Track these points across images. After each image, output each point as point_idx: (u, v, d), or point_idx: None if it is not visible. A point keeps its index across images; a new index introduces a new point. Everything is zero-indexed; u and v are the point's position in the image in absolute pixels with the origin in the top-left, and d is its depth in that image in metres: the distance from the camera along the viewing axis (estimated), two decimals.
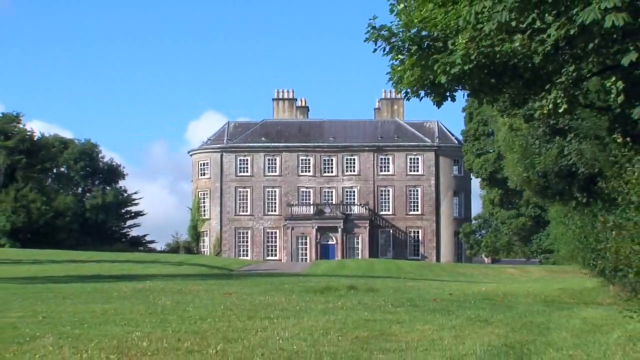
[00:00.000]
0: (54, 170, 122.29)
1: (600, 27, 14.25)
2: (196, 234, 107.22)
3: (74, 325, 15.60)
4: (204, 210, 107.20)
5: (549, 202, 42.65)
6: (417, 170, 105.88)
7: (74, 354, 12.06)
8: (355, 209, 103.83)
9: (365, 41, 19.41)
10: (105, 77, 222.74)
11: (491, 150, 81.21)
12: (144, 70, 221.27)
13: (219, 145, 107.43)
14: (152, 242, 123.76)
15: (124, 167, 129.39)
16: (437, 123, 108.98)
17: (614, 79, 17.39)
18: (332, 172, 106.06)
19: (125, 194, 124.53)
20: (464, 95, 20.32)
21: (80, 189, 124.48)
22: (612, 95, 17.76)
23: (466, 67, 17.44)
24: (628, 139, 18.41)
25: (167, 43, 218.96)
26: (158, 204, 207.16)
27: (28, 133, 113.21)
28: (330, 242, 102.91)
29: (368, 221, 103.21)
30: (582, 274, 31.42)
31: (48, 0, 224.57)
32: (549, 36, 15.68)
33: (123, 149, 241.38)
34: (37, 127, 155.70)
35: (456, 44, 17.55)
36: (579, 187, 34.75)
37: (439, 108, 19.90)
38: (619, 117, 21.05)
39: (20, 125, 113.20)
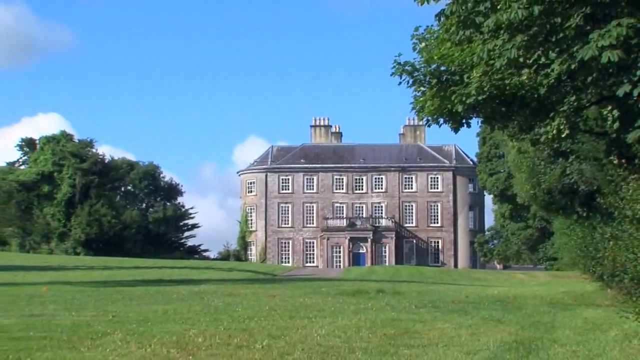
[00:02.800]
0: (122, 189, 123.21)
1: (598, 63, 14.18)
2: (244, 243, 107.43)
3: (139, 323, 15.65)
4: (251, 223, 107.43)
5: (554, 215, 42.37)
6: (437, 188, 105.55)
7: (139, 349, 12.10)
8: (383, 222, 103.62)
9: (391, 75, 19.48)
10: (162, 107, 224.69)
11: (502, 170, 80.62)
12: (197, 100, 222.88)
13: (263, 166, 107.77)
14: (206, 250, 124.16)
15: (181, 186, 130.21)
16: (455, 146, 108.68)
17: (610, 107, 17.29)
18: (362, 189, 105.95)
19: (183, 209, 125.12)
20: (478, 122, 20.31)
21: (144, 205, 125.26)
22: (609, 122, 17.64)
23: (480, 98, 17.43)
24: (623, 160, 18.29)
25: (217, 76, 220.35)
26: (209, 218, 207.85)
27: (100, 156, 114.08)
28: (361, 251, 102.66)
29: (394, 232, 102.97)
30: (583, 279, 31.16)
31: (107, 37, 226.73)
32: (552, 70, 15.63)
33: (179, 169, 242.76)
34: (105, 151, 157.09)
35: (471, 77, 17.55)
36: (580, 203, 34.50)
37: (456, 133, 19.91)
38: (614, 142, 20.87)
39: (93, 150, 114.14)
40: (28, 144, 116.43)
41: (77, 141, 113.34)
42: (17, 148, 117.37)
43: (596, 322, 17.15)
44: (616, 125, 17.27)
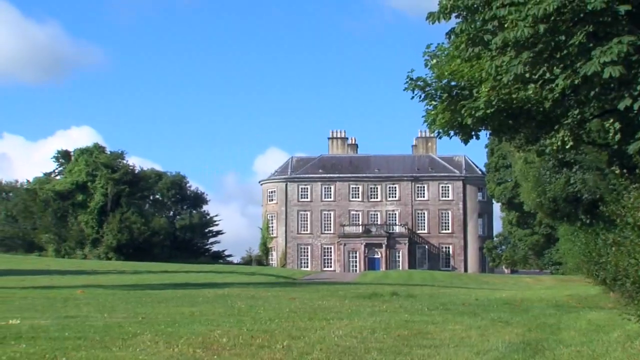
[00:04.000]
0: (151, 197, 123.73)
1: (600, 78, 14.15)
2: (266, 249, 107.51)
3: (167, 324, 15.69)
4: (272, 230, 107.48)
5: (558, 222, 42.11)
6: (448, 197, 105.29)
7: (167, 348, 12.13)
8: (397, 229, 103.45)
9: (404, 90, 19.48)
10: (188, 120, 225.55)
11: (509, 180, 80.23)
12: (220, 114, 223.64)
13: (284, 176, 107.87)
14: (229, 256, 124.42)
15: (206, 195, 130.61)
16: (464, 157, 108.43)
17: (612, 120, 17.20)
18: (377, 198, 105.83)
19: (208, 217, 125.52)
20: (486, 134, 20.27)
21: (171, 212, 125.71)
22: (611, 134, 17.55)
23: (488, 111, 17.41)
24: (624, 170, 18.15)
25: (240, 91, 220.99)
26: (232, 224, 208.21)
27: (130, 167, 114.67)
28: (376, 256, 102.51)
29: (407, 238, 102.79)
30: (587, 283, 30.91)
31: (135, 54, 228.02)
32: (557, 85, 15.59)
33: (202, 178, 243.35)
34: (135, 162, 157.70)
35: (480, 92, 17.54)
36: (583, 210, 34.31)
37: (466, 145, 19.87)
38: (616, 153, 20.83)
39: (124, 161, 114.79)
40: (63, 156, 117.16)
41: (108, 153, 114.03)
42: (53, 159, 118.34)
43: (599, 323, 17.03)
44: (618, 137, 17.19)
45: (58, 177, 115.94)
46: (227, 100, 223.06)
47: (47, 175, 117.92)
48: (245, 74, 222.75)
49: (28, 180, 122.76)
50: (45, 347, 11.94)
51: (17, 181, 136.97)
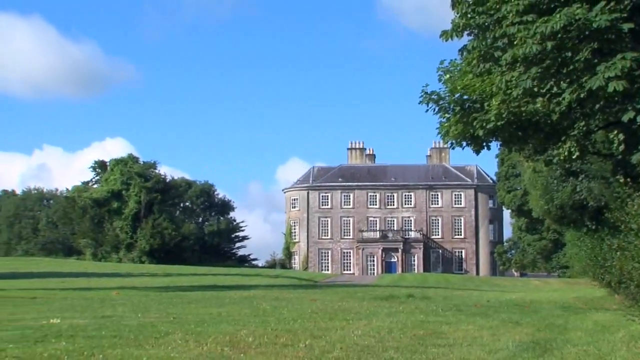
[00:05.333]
0: (181, 205, 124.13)
1: (605, 92, 14.10)
2: (289, 253, 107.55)
3: (196, 324, 15.71)
4: (295, 235, 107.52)
5: (565, 228, 41.90)
6: (461, 204, 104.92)
7: (196, 347, 12.15)
8: (412, 234, 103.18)
9: (419, 103, 19.48)
10: (215, 131, 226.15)
11: (519, 188, 79.79)
12: (245, 126, 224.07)
13: (305, 185, 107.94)
14: (254, 259, 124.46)
15: (233, 202, 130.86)
16: (476, 167, 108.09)
17: (616, 132, 17.12)
18: (393, 205, 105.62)
19: (234, 223, 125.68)
20: (497, 145, 20.22)
21: (200, 219, 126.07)
22: (615, 145, 17.46)
23: (499, 124, 17.39)
24: (628, 179, 18.08)
25: (263, 105, 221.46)
26: (256, 230, 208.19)
27: (162, 176, 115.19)
28: (392, 260, 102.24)
29: (422, 243, 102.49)
30: (593, 285, 30.69)
31: (165, 71, 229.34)
32: (564, 99, 15.55)
33: (228, 186, 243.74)
34: (166, 171, 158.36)
35: (491, 105, 17.51)
36: (589, 217, 34.11)
37: (477, 155, 19.82)
38: (620, 162, 20.69)
39: (156, 171, 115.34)
40: (100, 166, 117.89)
41: (142, 163, 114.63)
42: (91, 169, 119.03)
43: (605, 324, 16.88)
44: (621, 147, 17.10)
45: (95, 186, 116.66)
46: (251, 114, 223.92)
47: (85, 184, 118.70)
48: (269, 89, 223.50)
49: (67, 189, 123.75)
50: (84, 345, 12.01)
51: (57, 189, 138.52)
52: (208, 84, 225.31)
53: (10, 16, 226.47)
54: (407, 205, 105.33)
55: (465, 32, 17.28)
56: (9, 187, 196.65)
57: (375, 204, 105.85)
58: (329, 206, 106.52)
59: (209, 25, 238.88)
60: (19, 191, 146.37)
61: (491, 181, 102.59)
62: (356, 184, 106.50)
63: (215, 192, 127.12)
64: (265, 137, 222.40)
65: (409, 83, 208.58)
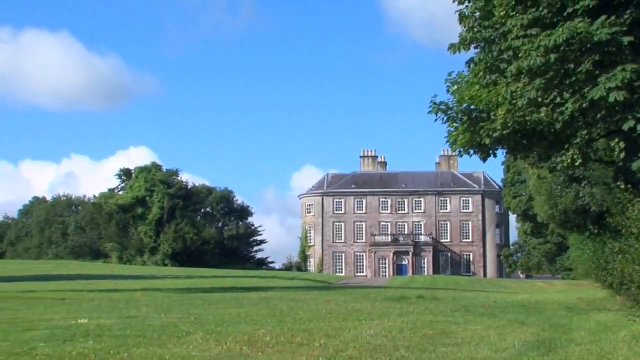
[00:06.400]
0: (202, 210, 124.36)
1: (606, 102, 14.04)
2: (304, 256, 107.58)
3: (216, 324, 15.72)
4: (310, 239, 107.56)
5: (569, 232, 41.68)
6: (468, 209, 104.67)
7: (216, 345, 12.16)
8: (422, 238, 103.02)
9: (428, 113, 19.45)
10: (233, 140, 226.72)
11: (524, 194, 79.51)
12: (261, 135, 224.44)
13: (320, 191, 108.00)
14: (271, 262, 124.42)
15: (251, 207, 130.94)
16: (483, 173, 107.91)
17: (617, 140, 17.05)
18: (404, 210, 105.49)
19: (253, 227, 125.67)
20: (503, 152, 20.17)
21: (220, 224, 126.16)
22: (616, 153, 17.39)
23: (504, 132, 17.35)
24: (629, 185, 18.01)
25: (279, 114, 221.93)
26: (273, 234, 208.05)
27: (183, 183, 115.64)
28: (403, 263, 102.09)
29: (432, 247, 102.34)
30: (595, 287, 30.47)
31: (186, 83, 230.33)
32: (566, 108, 15.50)
33: (245, 192, 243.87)
34: (187, 178, 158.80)
35: (497, 115, 17.47)
36: (592, 221, 33.95)
37: (484, 162, 19.77)
38: (621, 169, 20.59)
39: (178, 178, 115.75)
40: (125, 173, 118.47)
41: (164, 170, 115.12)
42: (116, 177, 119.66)
43: (607, 324, 16.76)
44: (622, 155, 17.04)
45: (120, 192, 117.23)
46: (267, 123, 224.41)
47: (111, 190, 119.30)
48: (284, 101, 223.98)
49: (94, 195, 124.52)
50: (110, 343, 12.05)
51: (84, 196, 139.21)
52: (226, 95, 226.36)
53: (39, 32, 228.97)
54: (417, 211, 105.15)
55: (472, 45, 17.26)
56: (40, 193, 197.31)
57: (387, 209, 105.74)
58: (343, 211, 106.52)
59: (226, 39, 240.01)
60: (49, 198, 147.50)
61: (497, 187, 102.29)
62: (368, 190, 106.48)
63: (234, 198, 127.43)
64: (281, 146, 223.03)
65: (418, 94, 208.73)
